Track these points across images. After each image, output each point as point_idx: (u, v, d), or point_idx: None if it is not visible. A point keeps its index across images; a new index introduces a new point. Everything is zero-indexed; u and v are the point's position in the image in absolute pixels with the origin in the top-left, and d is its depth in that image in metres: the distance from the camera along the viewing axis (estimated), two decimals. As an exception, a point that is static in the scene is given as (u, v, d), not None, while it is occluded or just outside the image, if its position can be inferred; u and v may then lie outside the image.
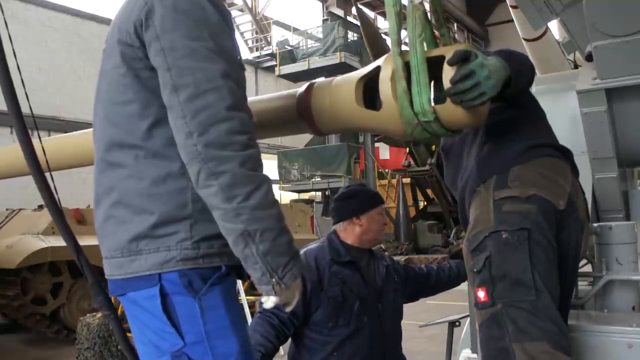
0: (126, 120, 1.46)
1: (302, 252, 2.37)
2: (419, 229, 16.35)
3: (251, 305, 6.58)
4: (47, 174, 1.70)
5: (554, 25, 5.76)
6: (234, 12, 21.73)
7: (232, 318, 1.45)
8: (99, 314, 5.73)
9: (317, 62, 18.36)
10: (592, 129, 2.49)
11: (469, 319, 2.07)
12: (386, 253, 3.46)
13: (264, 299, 1.44)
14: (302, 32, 20.70)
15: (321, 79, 2.01)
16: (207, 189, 1.34)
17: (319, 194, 19.17)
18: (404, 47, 1.62)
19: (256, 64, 22.59)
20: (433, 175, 15.83)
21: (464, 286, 2.17)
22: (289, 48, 20.01)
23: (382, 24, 21.08)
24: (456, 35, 27.84)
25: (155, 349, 1.46)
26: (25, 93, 1.76)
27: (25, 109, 1.67)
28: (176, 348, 1.42)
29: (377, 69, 1.67)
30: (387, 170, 19.79)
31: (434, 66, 1.55)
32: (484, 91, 1.48)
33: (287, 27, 21.93)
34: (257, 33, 22.61)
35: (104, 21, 16.88)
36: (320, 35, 19.57)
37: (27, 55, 13.80)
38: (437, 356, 4.88)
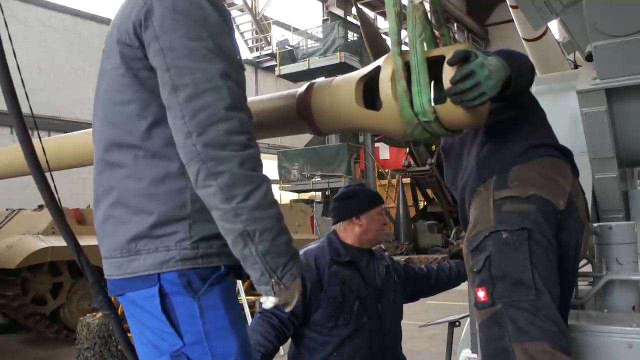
0: (125, 120, 1.46)
1: (301, 252, 2.37)
2: (419, 229, 16.34)
3: (251, 305, 6.57)
4: (47, 174, 1.71)
5: (554, 25, 5.76)
6: (234, 12, 21.73)
7: (231, 318, 1.45)
8: (99, 314, 5.73)
9: (317, 62, 18.37)
10: (592, 129, 2.49)
11: (469, 319, 2.07)
12: (386, 253, 3.45)
13: (263, 299, 1.44)
14: (302, 32, 20.70)
15: (321, 79, 2.00)
16: (206, 189, 1.34)
17: (319, 194, 19.17)
18: (404, 47, 1.61)
19: (256, 64, 22.60)
20: (433, 175, 15.82)
21: (464, 286, 2.16)
22: (289, 48, 20.01)
23: (382, 24, 21.08)
24: (456, 35, 27.85)
25: (154, 349, 1.46)
26: (25, 93, 1.76)
27: (25, 109, 1.67)
28: (175, 348, 1.42)
29: (377, 69, 1.67)
30: (387, 170, 19.78)
31: (434, 66, 1.55)
32: (484, 91, 1.48)
33: (287, 27, 21.93)
34: (257, 33, 22.62)
35: (104, 21, 16.88)
36: (320, 35, 19.58)
37: (27, 55, 13.82)
38: (437, 356, 4.88)
